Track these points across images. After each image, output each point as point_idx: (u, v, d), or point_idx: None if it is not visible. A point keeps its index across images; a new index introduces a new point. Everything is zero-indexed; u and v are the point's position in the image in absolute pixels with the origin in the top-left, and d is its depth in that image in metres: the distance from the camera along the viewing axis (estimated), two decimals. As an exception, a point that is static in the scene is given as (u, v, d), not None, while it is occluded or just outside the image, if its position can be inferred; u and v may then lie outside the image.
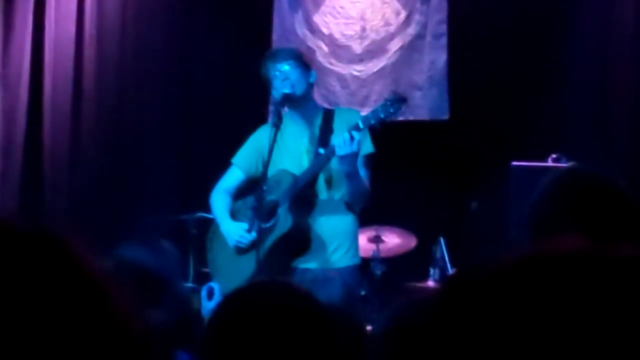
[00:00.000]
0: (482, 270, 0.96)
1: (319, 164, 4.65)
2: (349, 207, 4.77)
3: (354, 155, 4.45)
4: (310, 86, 4.84)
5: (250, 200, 4.82)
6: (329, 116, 4.82)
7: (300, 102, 4.79)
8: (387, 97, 4.56)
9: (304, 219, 4.71)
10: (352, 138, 4.39)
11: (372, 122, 4.48)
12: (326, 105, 6.77)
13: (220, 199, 4.98)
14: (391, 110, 4.47)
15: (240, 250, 4.81)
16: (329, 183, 4.74)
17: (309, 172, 4.68)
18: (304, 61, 4.83)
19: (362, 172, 4.66)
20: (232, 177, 4.99)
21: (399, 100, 4.53)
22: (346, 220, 4.76)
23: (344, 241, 4.74)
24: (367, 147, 4.69)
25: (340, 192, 4.73)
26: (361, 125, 4.45)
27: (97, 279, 1.05)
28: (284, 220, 4.67)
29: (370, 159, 4.75)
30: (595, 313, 0.87)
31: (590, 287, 0.89)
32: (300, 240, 4.70)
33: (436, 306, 0.98)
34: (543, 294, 0.89)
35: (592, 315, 0.87)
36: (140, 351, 1.06)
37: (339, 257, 4.72)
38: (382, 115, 4.46)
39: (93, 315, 1.02)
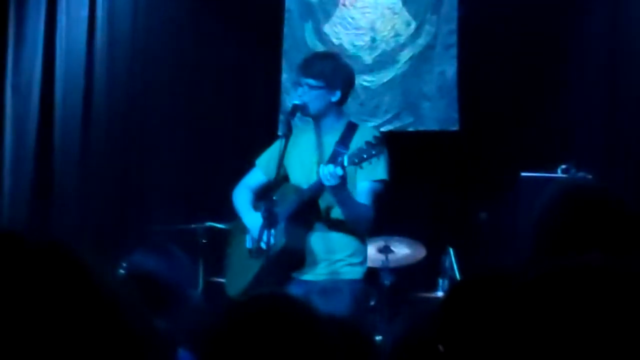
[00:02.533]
0: (488, 282, 0.97)
1: (313, 189, 4.64)
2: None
3: (340, 185, 4.44)
4: (331, 104, 4.76)
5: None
6: (350, 132, 4.76)
7: (315, 117, 4.79)
8: (370, 140, 4.52)
9: (300, 237, 4.70)
10: (335, 173, 4.40)
11: (356, 160, 4.46)
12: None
13: (242, 194, 4.97)
14: (373, 152, 4.44)
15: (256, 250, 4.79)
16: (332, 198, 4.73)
17: (308, 192, 4.68)
18: (332, 80, 4.74)
19: (365, 199, 4.63)
20: (254, 178, 4.98)
21: (380, 143, 4.51)
22: (351, 230, 4.75)
23: (352, 253, 4.74)
24: (378, 173, 4.64)
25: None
26: (345, 163, 4.45)
27: (106, 290, 1.06)
28: (279, 238, 4.67)
29: (379, 185, 4.69)
30: (617, 323, 0.89)
31: (611, 299, 0.90)
32: (292, 258, 4.70)
33: (450, 317, 0.99)
34: (564, 305, 0.90)
35: (612, 325, 0.88)
36: (146, 357, 1.07)
37: (347, 269, 4.72)
38: (365, 156, 4.45)
39: (101, 325, 1.03)
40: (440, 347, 1.22)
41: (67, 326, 1.01)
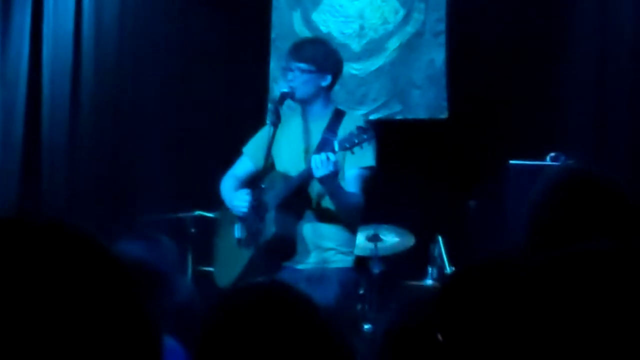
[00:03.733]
0: (489, 269, 0.96)
1: (303, 176, 4.62)
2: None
3: (332, 175, 4.42)
4: (321, 89, 4.76)
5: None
6: (337, 119, 4.75)
7: (305, 104, 4.78)
8: (361, 125, 4.51)
9: (289, 223, 4.69)
10: (328, 159, 4.38)
11: (347, 145, 4.45)
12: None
13: (229, 183, 4.95)
14: (364, 137, 4.43)
15: (244, 217, 4.77)
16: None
17: (296, 181, 4.66)
18: (323, 64, 4.74)
19: (354, 186, 4.62)
20: (242, 166, 4.97)
21: (371, 129, 4.50)
22: (341, 219, 4.74)
23: (343, 241, 4.73)
24: (366, 160, 4.63)
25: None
26: (336, 148, 4.44)
27: (122, 267, 1.06)
28: (269, 227, 4.66)
29: (367, 172, 4.68)
30: (628, 308, 0.89)
31: (621, 284, 0.90)
32: (283, 247, 4.68)
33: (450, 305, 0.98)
34: (574, 291, 0.89)
35: (623, 311, 0.88)
36: (156, 335, 1.07)
37: (338, 257, 4.71)
38: (356, 140, 4.45)
39: (122, 303, 1.03)
40: (439, 336, 1.21)
41: (90, 304, 1.00)
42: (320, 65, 4.72)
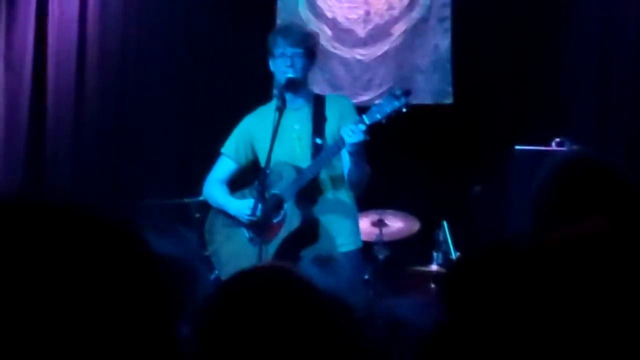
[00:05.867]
0: (494, 254, 0.96)
1: (328, 155, 4.62)
2: (348, 194, 4.77)
3: (362, 143, 4.45)
4: (308, 74, 4.86)
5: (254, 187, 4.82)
6: (320, 103, 4.80)
7: (298, 89, 4.79)
8: (392, 91, 4.51)
9: (310, 212, 4.72)
10: (358, 128, 4.41)
11: (378, 116, 4.46)
12: (329, 90, 6.78)
13: (216, 188, 4.95)
14: (396, 104, 4.44)
15: (253, 224, 4.77)
16: (331, 174, 4.73)
17: (318, 164, 4.66)
18: (313, 50, 4.81)
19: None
20: (224, 167, 4.98)
21: (404, 93, 4.49)
22: (347, 207, 4.76)
23: (346, 227, 4.75)
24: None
25: (339, 180, 4.73)
26: (367, 121, 4.44)
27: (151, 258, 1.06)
28: (291, 216, 4.67)
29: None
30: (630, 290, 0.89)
31: (622, 265, 0.90)
32: (309, 233, 4.71)
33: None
34: (573, 272, 0.90)
35: (626, 292, 0.89)
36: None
37: (342, 242, 4.73)
38: (389, 110, 4.44)
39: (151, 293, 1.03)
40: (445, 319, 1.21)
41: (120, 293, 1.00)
42: (310, 50, 4.79)
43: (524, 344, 0.89)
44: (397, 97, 4.45)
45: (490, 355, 0.93)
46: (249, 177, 4.99)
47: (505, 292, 0.92)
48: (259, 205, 4.65)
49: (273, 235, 4.71)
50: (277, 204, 4.70)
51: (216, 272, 4.97)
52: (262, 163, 4.72)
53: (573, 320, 0.89)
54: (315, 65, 4.96)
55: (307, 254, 4.71)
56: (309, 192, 4.70)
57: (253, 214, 4.68)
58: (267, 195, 4.67)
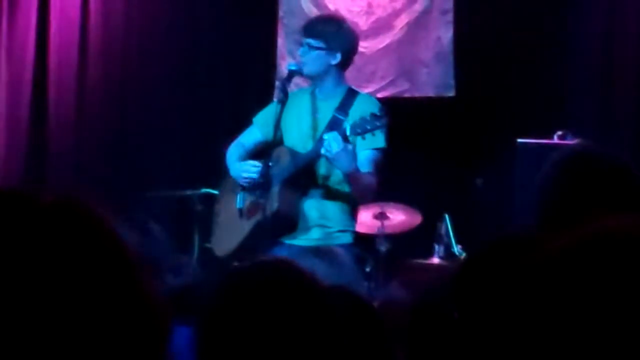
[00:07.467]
0: (507, 248, 0.95)
1: (311, 155, 4.62)
2: (346, 191, 4.75)
3: (341, 155, 4.40)
4: (331, 67, 4.74)
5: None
6: (349, 99, 4.75)
7: (314, 80, 4.78)
8: (375, 113, 4.48)
9: (293, 202, 4.69)
10: (337, 139, 4.38)
11: (359, 131, 4.44)
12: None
13: (233, 149, 4.97)
14: (377, 124, 4.42)
15: (250, 183, 4.77)
16: (330, 168, 4.72)
17: (305, 158, 4.66)
18: (332, 42, 4.72)
19: (367, 167, 4.60)
20: (251, 135, 4.98)
21: (385, 115, 4.48)
22: (345, 200, 4.75)
23: (346, 221, 4.75)
24: (377, 141, 4.59)
25: (338, 177, 4.71)
26: (348, 133, 4.43)
27: (124, 247, 1.05)
28: (271, 202, 4.66)
29: (379, 154, 4.68)
30: None
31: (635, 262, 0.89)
32: (284, 223, 4.69)
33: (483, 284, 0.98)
34: (603, 273, 0.89)
35: None
36: (161, 319, 1.07)
37: (340, 234, 4.73)
38: (369, 127, 4.43)
39: (124, 284, 1.02)
40: (455, 314, 1.21)
41: (89, 281, 1.00)
42: (329, 43, 4.71)
43: (535, 343, 0.88)
44: (378, 119, 4.43)
45: (500, 351, 0.93)
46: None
47: (516, 292, 0.91)
48: (257, 194, 4.68)
49: (254, 213, 4.72)
50: (267, 186, 4.70)
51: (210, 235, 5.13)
52: (285, 143, 4.76)
53: (584, 319, 0.88)
54: (349, 61, 4.85)
55: (287, 240, 4.71)
56: (299, 180, 4.69)
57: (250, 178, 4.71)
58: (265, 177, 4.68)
